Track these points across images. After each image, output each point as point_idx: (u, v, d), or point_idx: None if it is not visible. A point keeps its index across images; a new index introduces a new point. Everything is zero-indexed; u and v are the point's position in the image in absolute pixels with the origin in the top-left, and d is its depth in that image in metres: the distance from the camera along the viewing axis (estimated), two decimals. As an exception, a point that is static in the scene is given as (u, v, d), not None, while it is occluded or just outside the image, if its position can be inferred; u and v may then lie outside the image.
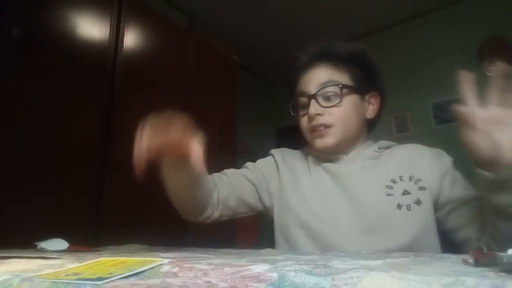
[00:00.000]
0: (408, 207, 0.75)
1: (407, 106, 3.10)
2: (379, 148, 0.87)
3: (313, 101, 0.82)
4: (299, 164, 0.92)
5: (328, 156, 0.87)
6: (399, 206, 0.75)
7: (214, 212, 0.84)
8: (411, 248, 0.70)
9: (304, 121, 0.86)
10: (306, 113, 0.84)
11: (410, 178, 0.79)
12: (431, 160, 0.81)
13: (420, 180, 0.78)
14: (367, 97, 0.87)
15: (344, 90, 0.82)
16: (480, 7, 2.89)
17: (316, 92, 0.82)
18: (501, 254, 0.29)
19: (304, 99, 0.85)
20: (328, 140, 0.83)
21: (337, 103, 0.82)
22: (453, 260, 0.39)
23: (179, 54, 2.26)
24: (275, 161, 0.94)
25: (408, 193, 0.77)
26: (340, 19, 3.25)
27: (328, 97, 0.82)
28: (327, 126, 0.82)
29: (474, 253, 0.34)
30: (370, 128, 0.92)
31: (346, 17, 3.23)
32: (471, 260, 0.34)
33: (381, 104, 0.90)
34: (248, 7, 3.08)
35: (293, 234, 0.82)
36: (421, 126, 3.02)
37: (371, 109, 0.88)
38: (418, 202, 0.75)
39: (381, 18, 3.26)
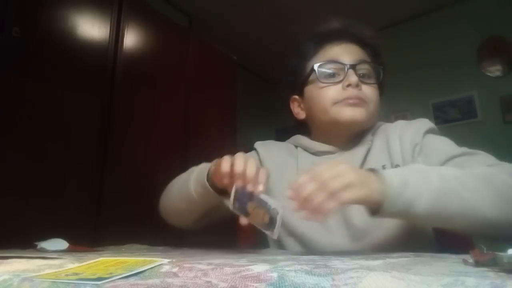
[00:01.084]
0: None
1: (407, 106, 3.10)
2: (372, 135, 0.82)
3: (351, 71, 0.76)
4: (285, 160, 0.86)
5: (327, 148, 0.81)
6: None
7: (202, 222, 0.81)
8: (406, 244, 0.68)
9: (332, 91, 0.77)
10: (336, 82, 0.77)
11: (392, 164, 0.75)
12: (403, 133, 0.77)
13: (398, 165, 0.74)
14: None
15: (381, 73, 0.80)
16: (480, 7, 2.89)
17: (357, 64, 0.77)
18: (501, 254, 0.29)
19: (332, 69, 0.78)
20: (361, 112, 0.76)
21: (375, 83, 0.79)
22: (453, 260, 0.39)
23: (179, 54, 2.26)
24: (259, 156, 0.88)
25: None
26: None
27: (364, 75, 0.78)
28: (363, 101, 0.76)
29: (474, 253, 0.34)
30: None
31: (346, 18, 3.24)
32: (471, 260, 0.34)
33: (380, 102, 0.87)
34: (248, 7, 3.08)
35: (283, 241, 0.79)
36: (421, 126, 3.02)
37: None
38: None
39: (381, 18, 3.26)
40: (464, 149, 0.69)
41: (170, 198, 0.79)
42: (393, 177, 0.52)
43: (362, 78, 0.77)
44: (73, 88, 1.65)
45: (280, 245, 0.81)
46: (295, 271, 0.24)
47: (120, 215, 1.69)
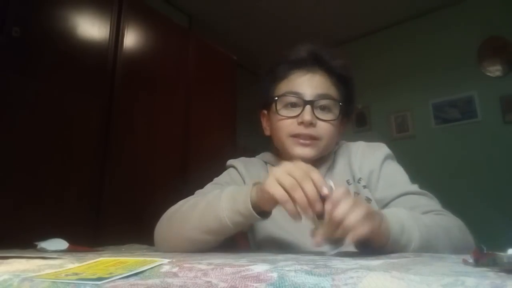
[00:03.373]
0: None
1: (407, 106, 3.10)
2: (333, 153, 0.87)
3: (308, 107, 0.78)
4: (262, 175, 0.86)
5: None
6: None
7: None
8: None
9: (286, 124, 0.80)
10: (292, 117, 0.79)
11: (354, 179, 0.80)
12: (363, 157, 0.82)
13: (361, 179, 0.79)
14: (343, 120, 0.86)
15: (341, 109, 0.81)
16: (480, 7, 2.89)
17: (315, 100, 0.79)
18: (501, 254, 0.29)
19: (293, 100, 0.80)
20: (310, 151, 0.79)
21: (333, 120, 0.80)
22: (453, 260, 0.39)
23: (179, 54, 2.26)
24: (239, 174, 0.89)
25: (357, 193, 0.78)
26: (340, 20, 3.25)
27: (323, 109, 0.80)
28: (315, 138, 0.79)
29: (474, 253, 0.34)
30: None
31: (346, 18, 3.23)
32: (471, 260, 0.34)
33: (345, 128, 0.89)
34: (248, 7, 3.08)
35: (263, 247, 0.81)
36: (421, 126, 3.02)
37: (340, 130, 0.87)
38: (368, 200, 0.76)
39: (381, 18, 3.26)
40: (415, 188, 0.76)
41: (180, 231, 0.68)
42: (394, 223, 0.55)
43: (321, 111, 0.80)
44: (73, 88, 1.65)
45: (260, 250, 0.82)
46: (295, 271, 0.24)
47: (120, 215, 1.69)
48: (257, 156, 0.95)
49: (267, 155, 0.93)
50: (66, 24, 1.66)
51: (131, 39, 1.93)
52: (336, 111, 0.81)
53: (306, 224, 0.73)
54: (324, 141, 0.80)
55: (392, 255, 0.48)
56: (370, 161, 0.81)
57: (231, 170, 0.91)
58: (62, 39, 1.64)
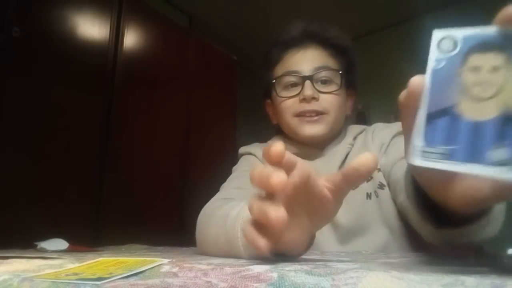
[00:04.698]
0: (376, 194, 0.72)
1: (407, 106, 3.11)
2: (353, 139, 0.82)
3: (308, 82, 0.75)
4: None
5: (303, 150, 0.79)
6: (368, 196, 0.72)
7: None
8: (391, 243, 0.68)
9: (288, 104, 0.77)
10: (293, 96, 0.77)
11: None
12: (376, 135, 0.78)
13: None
14: (348, 91, 0.83)
15: (342, 78, 0.77)
16: (480, 7, 2.89)
17: (313, 74, 0.75)
18: (501, 254, 0.30)
19: (291, 79, 0.78)
20: (319, 128, 0.76)
21: (335, 90, 0.76)
22: (453, 260, 0.39)
23: (179, 54, 2.26)
24: (260, 160, 0.84)
25: (371, 177, 0.73)
26: (340, 20, 3.24)
27: (324, 82, 0.76)
28: (320, 113, 0.75)
29: (471, 252, 0.34)
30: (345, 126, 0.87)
31: (346, 18, 3.23)
32: (471, 260, 0.34)
33: (354, 103, 0.87)
34: (248, 7, 3.08)
35: None
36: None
37: (348, 105, 0.84)
38: (381, 185, 0.72)
39: (381, 18, 3.26)
40: None
41: (206, 244, 0.54)
42: None
43: (322, 84, 0.76)
44: (73, 88, 1.65)
45: None
46: (295, 271, 0.24)
47: (120, 215, 1.69)
48: (269, 142, 0.91)
49: (279, 139, 0.87)
50: (66, 24, 1.66)
51: (131, 39, 1.94)
52: (338, 81, 0.77)
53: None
54: (332, 114, 0.76)
55: (392, 255, 0.48)
56: (381, 136, 0.77)
57: (249, 157, 0.87)
58: (62, 39, 1.64)
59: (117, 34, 1.87)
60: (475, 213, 0.34)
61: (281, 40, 0.83)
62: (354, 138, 0.82)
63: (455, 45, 0.26)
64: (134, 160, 1.84)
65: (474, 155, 0.24)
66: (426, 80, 0.27)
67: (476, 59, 0.25)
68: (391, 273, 0.22)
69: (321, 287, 0.22)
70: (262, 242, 0.32)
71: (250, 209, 0.33)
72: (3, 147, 1.38)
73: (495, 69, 0.24)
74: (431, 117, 0.26)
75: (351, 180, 0.34)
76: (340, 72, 0.77)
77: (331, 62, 0.79)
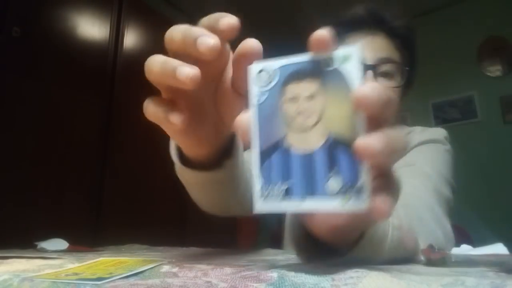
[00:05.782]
0: None
1: (407, 106, 3.10)
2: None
3: (370, 73, 0.69)
4: None
5: None
6: None
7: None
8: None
9: None
10: None
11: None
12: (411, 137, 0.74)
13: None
14: (403, 90, 0.77)
15: (405, 75, 0.71)
16: (480, 7, 2.89)
17: (377, 65, 0.69)
18: (450, 253, 0.30)
19: None
20: None
21: (395, 87, 0.70)
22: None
23: (179, 54, 2.26)
24: None
25: None
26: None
27: (385, 75, 0.71)
28: None
29: (425, 251, 0.34)
30: None
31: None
32: (423, 259, 0.34)
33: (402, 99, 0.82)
34: (248, 8, 3.08)
35: None
36: (421, 126, 3.02)
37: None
38: None
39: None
40: (434, 181, 0.66)
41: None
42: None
43: (383, 77, 0.71)
44: (73, 88, 1.65)
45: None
46: (295, 271, 0.24)
47: (120, 215, 1.69)
48: None
49: None
50: (66, 24, 1.66)
51: (131, 39, 1.94)
52: (399, 77, 0.71)
53: None
54: None
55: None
56: (412, 139, 0.73)
57: None
58: (62, 39, 1.64)
59: (117, 34, 1.87)
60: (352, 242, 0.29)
61: (344, 21, 0.76)
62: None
63: (272, 76, 0.25)
64: (135, 160, 1.84)
65: (312, 189, 0.23)
66: (251, 117, 0.25)
67: (293, 89, 0.24)
68: (391, 273, 0.22)
69: (321, 287, 0.22)
70: (174, 116, 0.30)
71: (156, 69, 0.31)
72: (3, 147, 1.38)
73: (311, 96, 0.24)
74: (265, 155, 0.25)
75: (241, 63, 0.32)
76: (407, 68, 0.73)
77: (396, 55, 0.74)
